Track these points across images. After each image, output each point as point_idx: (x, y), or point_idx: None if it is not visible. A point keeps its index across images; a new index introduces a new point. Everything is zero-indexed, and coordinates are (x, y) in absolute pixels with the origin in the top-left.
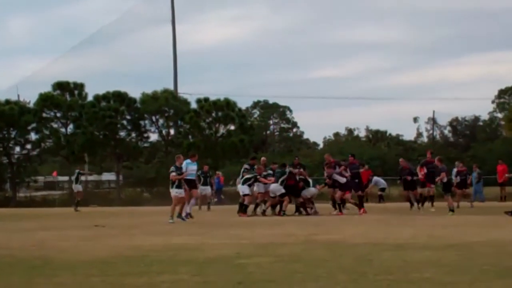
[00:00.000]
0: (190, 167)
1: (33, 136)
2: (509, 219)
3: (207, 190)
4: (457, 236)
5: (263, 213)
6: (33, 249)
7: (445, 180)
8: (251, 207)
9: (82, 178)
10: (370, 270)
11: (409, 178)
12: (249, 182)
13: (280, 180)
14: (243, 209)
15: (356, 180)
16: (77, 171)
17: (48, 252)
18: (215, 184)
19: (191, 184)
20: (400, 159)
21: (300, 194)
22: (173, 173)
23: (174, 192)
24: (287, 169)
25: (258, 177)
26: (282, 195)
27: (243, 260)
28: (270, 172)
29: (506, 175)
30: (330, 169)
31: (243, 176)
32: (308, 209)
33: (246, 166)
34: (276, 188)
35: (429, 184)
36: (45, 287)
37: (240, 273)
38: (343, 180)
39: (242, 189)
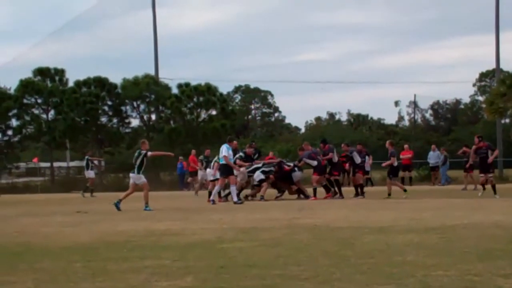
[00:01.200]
0: (230, 152)
1: (14, 122)
2: (489, 202)
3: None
4: (439, 219)
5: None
6: (15, 235)
7: (395, 164)
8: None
9: (95, 163)
10: (352, 253)
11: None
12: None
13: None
14: (218, 195)
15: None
16: (86, 157)
17: (30, 238)
18: (177, 170)
19: (229, 170)
20: (342, 145)
21: (293, 181)
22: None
23: (143, 178)
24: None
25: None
26: (260, 181)
27: (225, 245)
28: (241, 154)
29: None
30: (301, 151)
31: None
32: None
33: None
34: (256, 175)
35: (486, 173)
36: (27, 273)
37: (222, 258)
38: (314, 163)
39: (212, 174)
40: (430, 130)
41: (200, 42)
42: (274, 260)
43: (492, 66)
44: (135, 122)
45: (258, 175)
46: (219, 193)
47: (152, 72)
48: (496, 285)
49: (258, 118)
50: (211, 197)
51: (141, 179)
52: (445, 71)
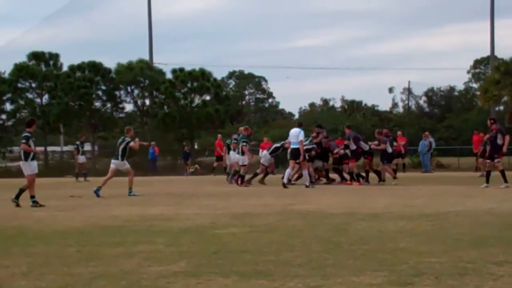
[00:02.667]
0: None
1: (8, 106)
2: (481, 189)
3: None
4: (432, 206)
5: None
6: (9, 219)
7: (389, 150)
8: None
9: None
10: (345, 240)
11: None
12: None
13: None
14: (241, 179)
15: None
16: (77, 142)
17: (23, 222)
18: (149, 155)
19: (299, 154)
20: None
21: (328, 160)
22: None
23: (127, 164)
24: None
25: (243, 145)
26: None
27: (218, 230)
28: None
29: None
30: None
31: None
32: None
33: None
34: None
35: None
36: (21, 257)
37: (216, 243)
38: (353, 146)
39: (242, 159)
40: (424, 117)
41: (195, 27)
42: (267, 246)
43: (487, 53)
44: (129, 107)
45: (269, 159)
46: (242, 177)
47: (146, 57)
48: (489, 273)
49: (252, 103)
50: (284, 180)
51: (125, 165)
52: (440, 58)
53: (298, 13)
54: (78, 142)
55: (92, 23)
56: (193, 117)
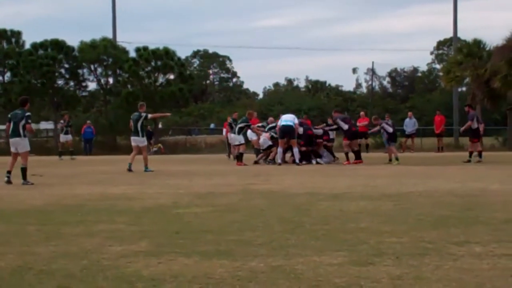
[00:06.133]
0: None
1: None
2: (443, 170)
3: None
4: (394, 186)
5: (267, 162)
6: None
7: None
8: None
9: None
10: (307, 219)
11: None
12: (243, 131)
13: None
14: (240, 158)
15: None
16: (61, 121)
17: None
18: (86, 134)
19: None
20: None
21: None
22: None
23: (146, 141)
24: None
25: (253, 126)
26: (269, 147)
27: (180, 210)
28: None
29: None
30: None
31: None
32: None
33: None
34: (263, 141)
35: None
36: None
37: (177, 223)
38: (345, 126)
39: (238, 138)
40: (388, 97)
41: (159, 6)
42: (229, 225)
43: (450, 34)
44: (92, 86)
45: (265, 141)
46: (240, 155)
47: (110, 35)
48: (449, 253)
49: (216, 83)
50: (296, 160)
51: (144, 142)
52: (404, 39)
53: None
54: (62, 121)
55: (55, 0)
56: (157, 96)
